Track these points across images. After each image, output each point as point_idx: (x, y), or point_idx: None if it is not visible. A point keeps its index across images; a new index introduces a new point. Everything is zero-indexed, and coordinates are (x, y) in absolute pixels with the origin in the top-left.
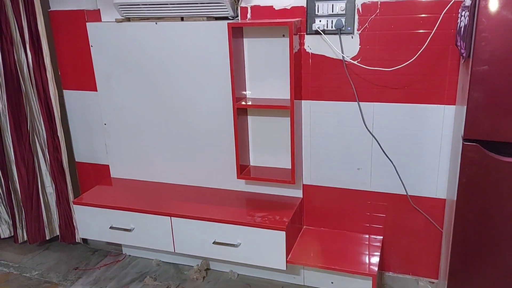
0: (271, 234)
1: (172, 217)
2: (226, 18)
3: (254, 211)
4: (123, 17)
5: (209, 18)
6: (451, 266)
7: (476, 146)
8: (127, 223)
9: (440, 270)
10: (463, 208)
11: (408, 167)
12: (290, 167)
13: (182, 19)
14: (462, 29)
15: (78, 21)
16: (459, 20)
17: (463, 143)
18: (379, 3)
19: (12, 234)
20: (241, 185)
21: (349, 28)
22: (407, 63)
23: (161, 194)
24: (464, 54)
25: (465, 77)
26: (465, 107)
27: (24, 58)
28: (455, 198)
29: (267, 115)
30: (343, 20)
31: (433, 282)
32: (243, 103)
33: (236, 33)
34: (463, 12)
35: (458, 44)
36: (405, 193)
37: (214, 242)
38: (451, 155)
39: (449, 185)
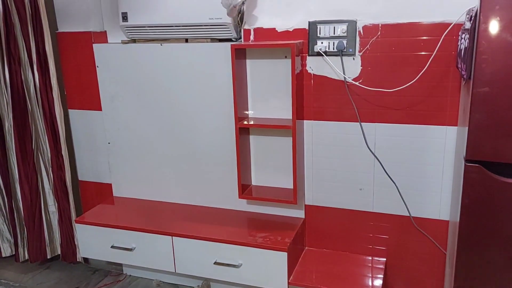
0: (272, 255)
1: (173, 237)
2: (229, 39)
3: (256, 231)
4: (129, 39)
5: (213, 40)
6: None
7: (478, 167)
8: (128, 243)
9: None
10: (467, 229)
11: (410, 188)
12: (292, 187)
13: (186, 40)
14: (463, 51)
15: (85, 42)
16: (459, 43)
17: (465, 164)
18: (380, 25)
19: (14, 253)
20: (243, 205)
21: (351, 50)
22: (409, 84)
23: (162, 214)
24: (465, 76)
25: (466, 99)
26: (467, 128)
27: (31, 78)
28: (458, 220)
29: (269, 134)
30: (344, 42)
31: None
32: (246, 122)
33: (239, 54)
34: (463, 35)
35: (459, 66)
36: (408, 215)
37: (215, 263)
38: (453, 176)
39: (452, 206)
